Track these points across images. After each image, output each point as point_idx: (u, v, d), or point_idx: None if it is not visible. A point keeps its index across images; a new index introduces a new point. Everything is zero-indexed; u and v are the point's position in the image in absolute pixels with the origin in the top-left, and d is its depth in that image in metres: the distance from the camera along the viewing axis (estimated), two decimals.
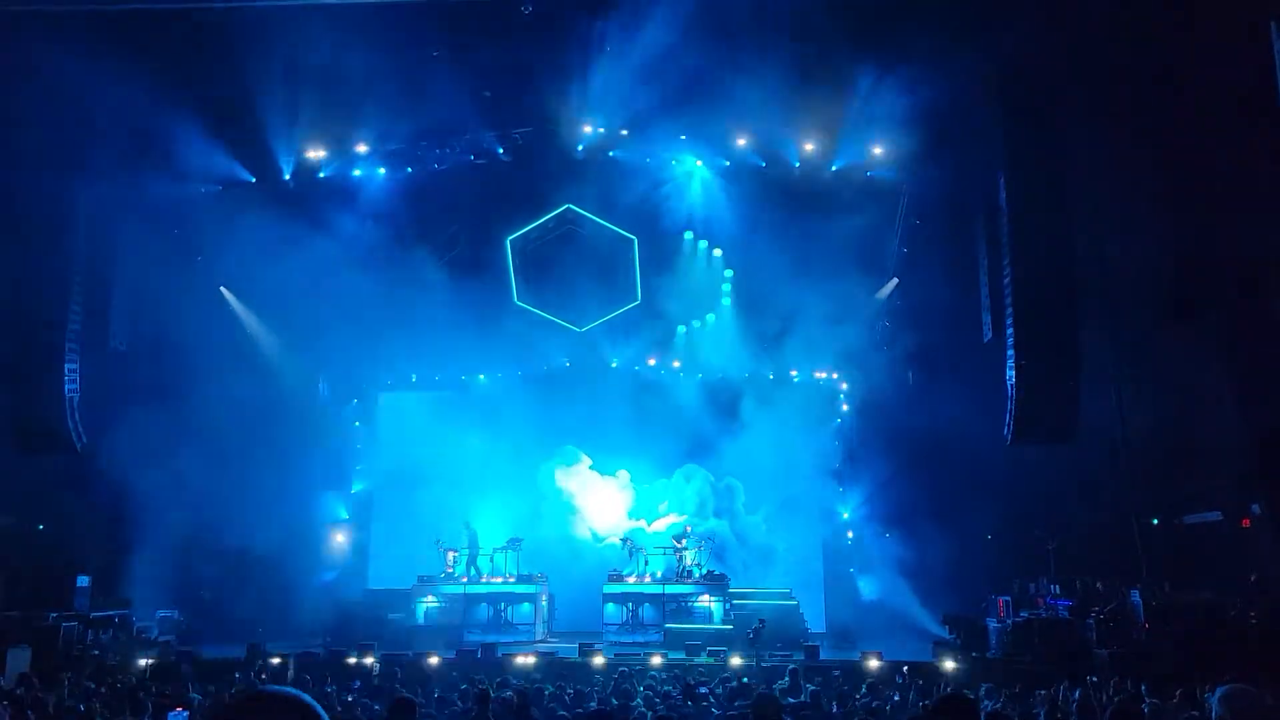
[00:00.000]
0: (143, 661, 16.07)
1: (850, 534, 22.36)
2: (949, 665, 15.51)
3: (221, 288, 21.88)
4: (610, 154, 21.19)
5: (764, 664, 15.80)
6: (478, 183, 21.71)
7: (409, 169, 21.55)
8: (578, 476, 22.85)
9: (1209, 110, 16.91)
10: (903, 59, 17.10)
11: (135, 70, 16.73)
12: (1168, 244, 18.11)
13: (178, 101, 17.74)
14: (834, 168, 20.98)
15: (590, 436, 22.66)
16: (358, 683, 13.18)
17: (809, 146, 20.31)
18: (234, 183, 20.76)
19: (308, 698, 2.35)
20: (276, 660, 15.82)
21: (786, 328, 22.45)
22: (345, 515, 23.51)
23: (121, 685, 12.41)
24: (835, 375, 23.31)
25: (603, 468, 22.95)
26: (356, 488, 23.92)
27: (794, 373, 23.44)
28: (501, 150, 21.27)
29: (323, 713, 2.33)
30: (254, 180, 20.89)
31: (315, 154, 20.86)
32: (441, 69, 17.88)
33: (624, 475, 22.94)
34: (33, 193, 18.11)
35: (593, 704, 9.34)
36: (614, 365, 23.58)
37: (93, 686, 12.25)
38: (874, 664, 15.47)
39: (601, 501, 22.88)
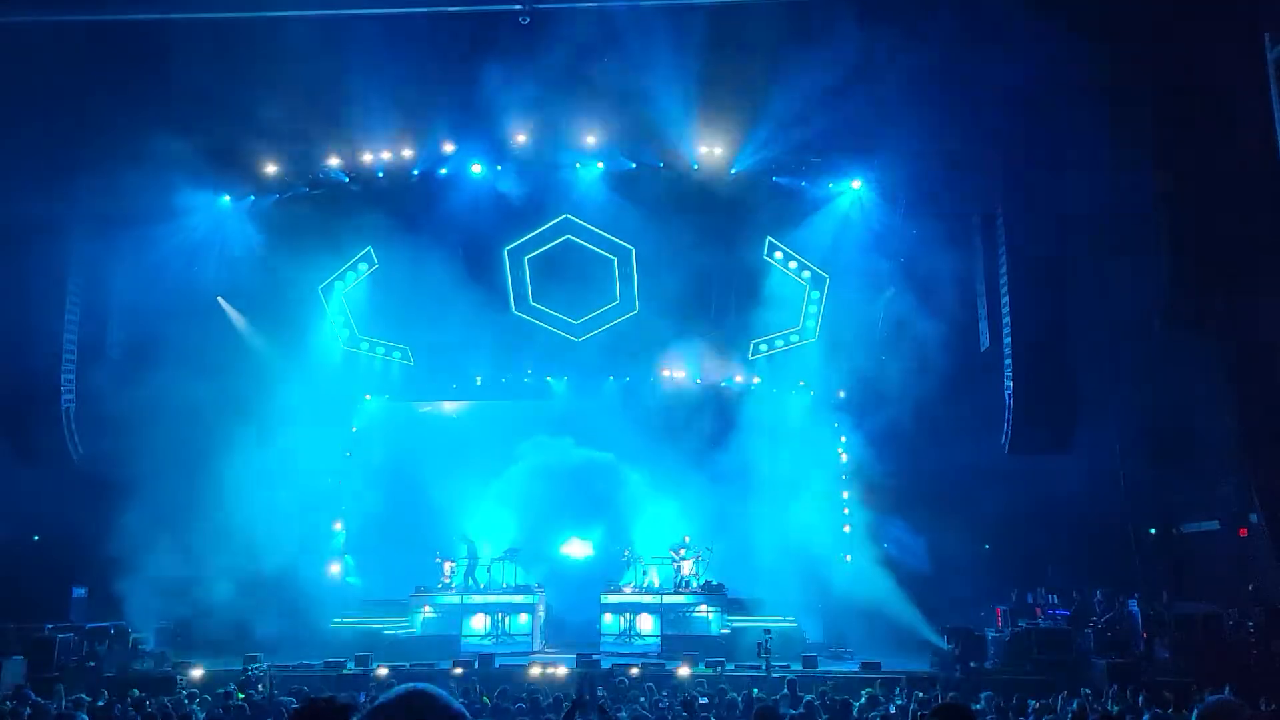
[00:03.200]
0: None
1: (848, 543, 22.29)
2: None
3: (218, 298, 21.87)
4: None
5: (773, 674, 15.70)
6: (470, 193, 21.69)
7: (415, 171, 21.53)
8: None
9: (1204, 117, 16.96)
10: (902, 68, 17.17)
11: (122, 77, 16.86)
12: (1165, 253, 18.15)
13: (170, 109, 17.74)
14: (830, 186, 21.06)
15: (587, 446, 22.57)
16: (361, 695, 13.12)
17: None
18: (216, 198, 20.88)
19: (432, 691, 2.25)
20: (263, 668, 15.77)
21: (783, 335, 22.46)
22: (342, 525, 23.43)
23: (116, 699, 12.36)
24: (832, 384, 23.27)
25: (603, 476, 22.86)
26: (353, 498, 23.84)
27: (801, 383, 23.41)
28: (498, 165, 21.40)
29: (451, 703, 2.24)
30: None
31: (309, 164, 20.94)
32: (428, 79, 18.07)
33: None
34: (29, 202, 18.11)
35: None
36: (610, 379, 23.58)
37: (88, 698, 12.21)
38: (871, 675, 15.43)
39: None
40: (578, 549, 22.84)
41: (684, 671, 16.03)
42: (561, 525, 22.50)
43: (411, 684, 2.27)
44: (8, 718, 10.66)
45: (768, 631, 16.87)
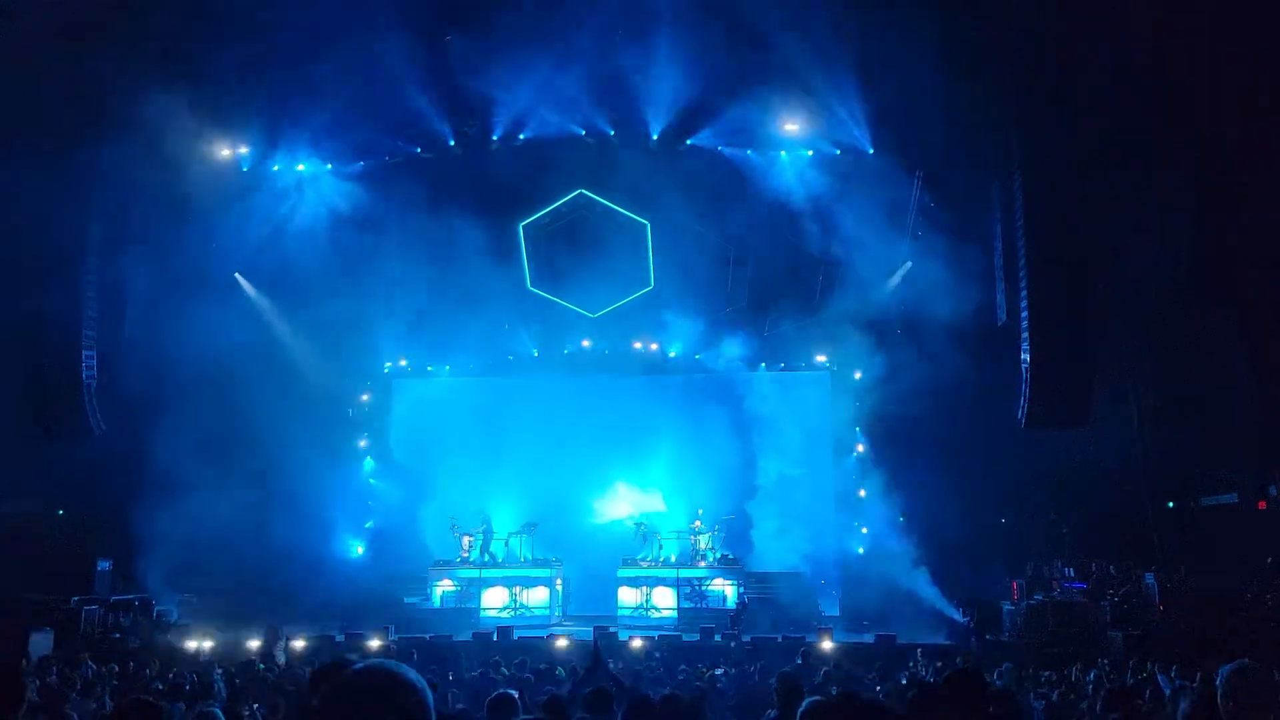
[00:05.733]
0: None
1: (865, 518, 22.33)
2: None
3: (236, 274, 21.99)
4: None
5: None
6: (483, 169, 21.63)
7: (417, 149, 21.49)
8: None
9: (1230, 91, 16.73)
10: (917, 41, 17.00)
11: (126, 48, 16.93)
12: (1186, 226, 17.97)
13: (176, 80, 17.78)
14: (838, 153, 20.89)
15: (603, 422, 22.62)
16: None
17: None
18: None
19: (402, 673, 2.20)
20: (300, 644, 15.99)
21: (799, 311, 22.40)
22: (362, 499, 23.64)
23: (140, 670, 12.55)
24: (849, 359, 23.19)
25: (617, 454, 22.91)
26: (371, 469, 24.05)
27: (817, 358, 23.37)
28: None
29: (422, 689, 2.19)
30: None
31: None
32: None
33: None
34: (47, 177, 18.21)
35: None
36: (625, 348, 23.56)
37: (114, 668, 12.42)
38: (887, 646, 15.51)
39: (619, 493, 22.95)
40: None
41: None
42: (578, 498, 22.42)
43: (374, 660, 2.26)
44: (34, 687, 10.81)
45: (743, 603, 17.05)
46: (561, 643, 16.05)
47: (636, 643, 15.81)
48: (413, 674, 2.21)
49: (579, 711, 6.29)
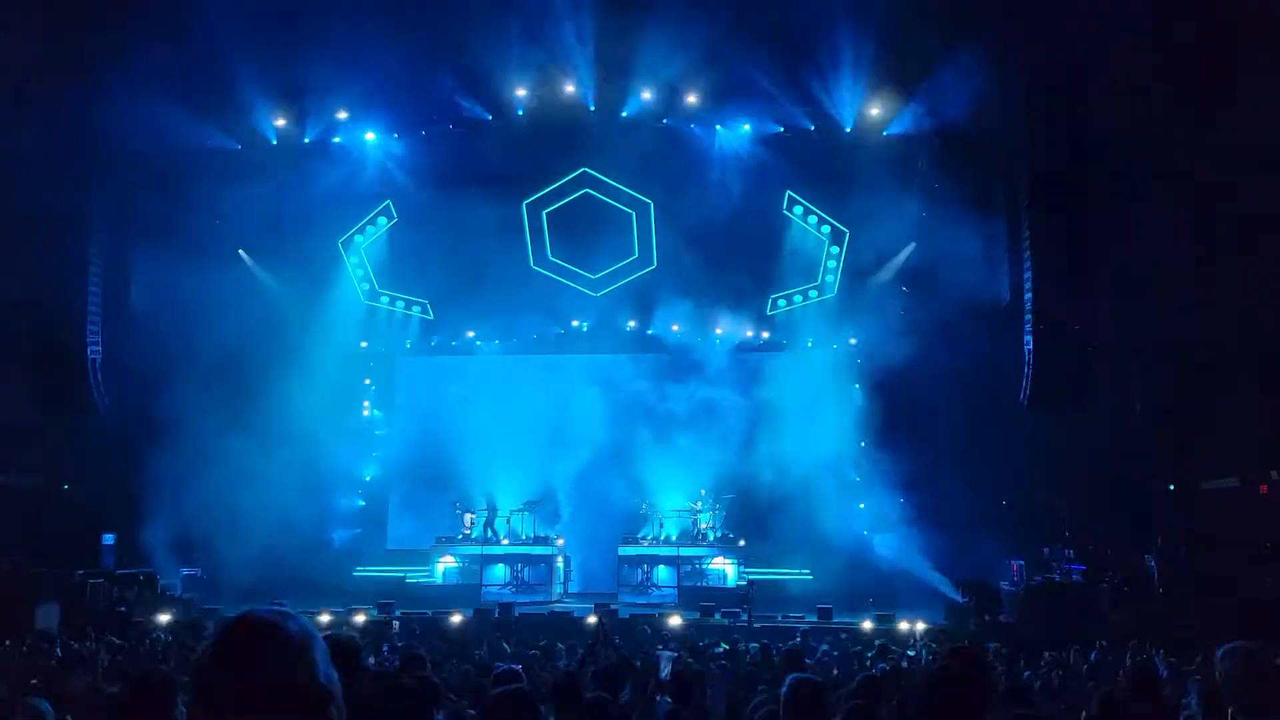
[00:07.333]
0: (165, 618, 16.38)
1: (865, 498, 22.38)
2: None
3: (240, 250, 21.95)
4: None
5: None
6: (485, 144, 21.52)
7: (423, 132, 21.43)
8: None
9: (1235, 76, 16.63)
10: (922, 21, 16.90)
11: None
12: (1189, 208, 17.90)
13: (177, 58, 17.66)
14: (846, 131, 20.73)
15: (604, 400, 22.63)
16: (385, 647, 13.35)
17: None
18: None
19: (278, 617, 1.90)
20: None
21: (800, 291, 22.37)
22: (366, 476, 23.73)
23: (152, 639, 12.66)
24: (851, 340, 23.18)
25: (618, 432, 22.93)
26: (378, 441, 24.11)
27: (816, 340, 23.35)
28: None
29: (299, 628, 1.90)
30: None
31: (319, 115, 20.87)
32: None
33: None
34: (50, 152, 18.17)
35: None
36: (628, 327, 23.55)
37: (118, 641, 12.52)
38: (886, 626, 15.59)
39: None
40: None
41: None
42: (581, 477, 22.48)
43: (249, 608, 1.95)
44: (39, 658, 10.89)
45: (751, 583, 17.09)
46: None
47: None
48: (294, 624, 1.91)
49: (588, 687, 6.34)
